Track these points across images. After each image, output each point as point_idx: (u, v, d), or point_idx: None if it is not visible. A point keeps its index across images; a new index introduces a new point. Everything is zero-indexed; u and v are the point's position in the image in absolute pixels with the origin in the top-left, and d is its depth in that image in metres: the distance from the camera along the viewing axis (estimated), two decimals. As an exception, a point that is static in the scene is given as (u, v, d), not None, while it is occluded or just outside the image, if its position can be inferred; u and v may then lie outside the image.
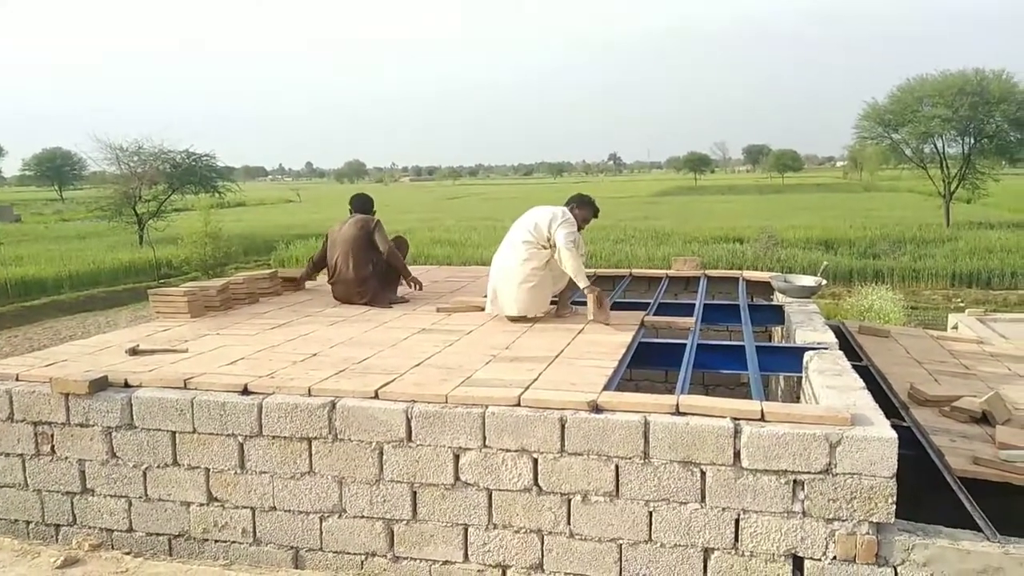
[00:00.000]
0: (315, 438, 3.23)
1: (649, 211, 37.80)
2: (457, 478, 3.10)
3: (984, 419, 3.74)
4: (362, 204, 5.82)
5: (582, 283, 4.63)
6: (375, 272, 5.45)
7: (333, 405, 3.20)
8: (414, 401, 3.16)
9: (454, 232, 27.02)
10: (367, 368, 3.64)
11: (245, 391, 3.37)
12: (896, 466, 2.69)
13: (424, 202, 57.40)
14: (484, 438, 3.05)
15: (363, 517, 3.22)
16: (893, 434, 2.72)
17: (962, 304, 14.87)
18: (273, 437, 3.28)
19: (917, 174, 31.88)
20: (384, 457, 3.16)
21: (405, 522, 3.18)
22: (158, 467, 3.44)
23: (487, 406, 3.08)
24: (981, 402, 3.78)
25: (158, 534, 3.49)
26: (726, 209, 37.63)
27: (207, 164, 27.79)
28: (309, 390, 3.30)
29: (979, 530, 2.78)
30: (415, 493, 3.16)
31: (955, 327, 8.83)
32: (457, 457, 3.09)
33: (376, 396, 3.22)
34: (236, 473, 3.35)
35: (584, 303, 5.42)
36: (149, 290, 5.50)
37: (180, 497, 3.44)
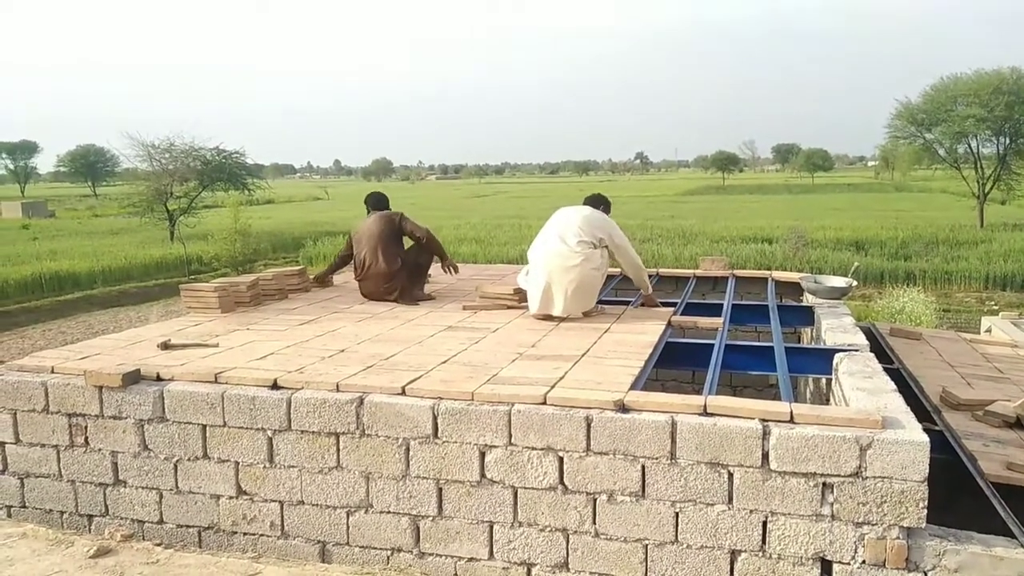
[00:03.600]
0: (343, 433, 3.26)
1: (676, 210, 37.57)
2: (483, 475, 3.11)
3: (1018, 424, 3.67)
4: (379, 202, 5.94)
5: (648, 282, 5.30)
6: (404, 266, 5.50)
7: (361, 401, 3.23)
8: (440, 398, 3.18)
9: (480, 230, 27.09)
10: (394, 365, 3.66)
11: (275, 386, 3.41)
12: (928, 470, 2.65)
13: (450, 200, 57.60)
14: (510, 436, 3.06)
15: (389, 513, 3.24)
16: (925, 438, 2.68)
17: (996, 307, 14.60)
18: (302, 432, 3.31)
19: (950, 174, 31.35)
20: (411, 453, 3.18)
21: (431, 518, 3.20)
22: (189, 460, 3.50)
23: (513, 404, 3.08)
24: (1016, 406, 3.71)
25: (188, 526, 3.55)
26: (755, 209, 37.29)
27: (237, 161, 28.13)
28: (337, 386, 3.33)
29: (1013, 536, 2.73)
30: (441, 490, 3.17)
31: (988, 330, 8.67)
32: (483, 454, 3.10)
33: (403, 392, 3.24)
34: (265, 467, 3.39)
35: (609, 302, 5.43)
36: (180, 285, 5.58)
37: (210, 490, 3.48)
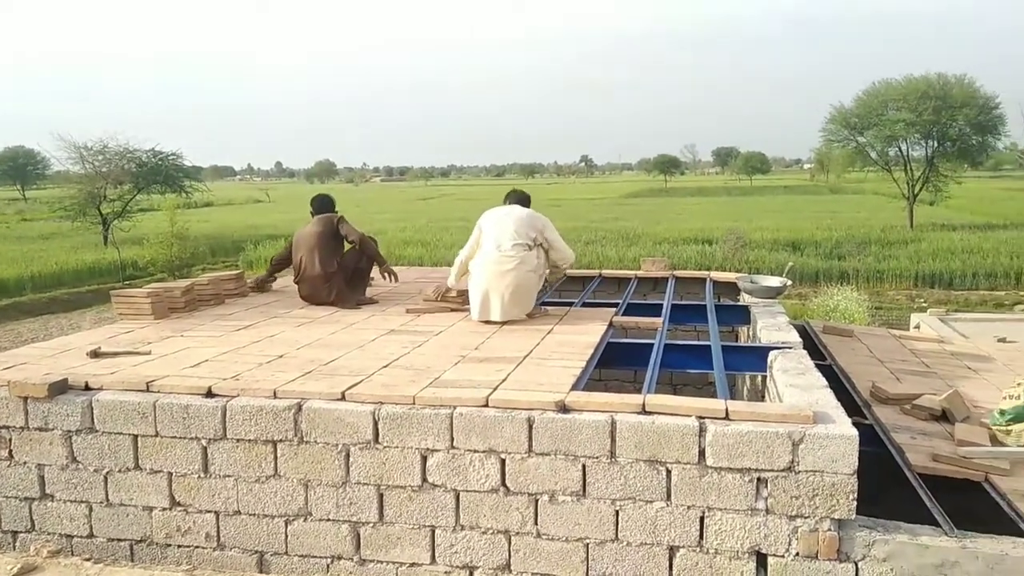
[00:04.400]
0: (280, 441, 3.20)
1: (620, 212, 38.04)
2: (424, 479, 3.09)
3: (944, 417, 3.81)
4: (323, 204, 5.86)
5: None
6: (340, 268, 5.45)
7: (299, 407, 3.17)
8: (381, 403, 3.14)
9: (426, 232, 26.97)
10: (334, 370, 3.61)
11: (209, 394, 3.32)
12: (857, 463, 2.73)
13: (396, 202, 57.27)
14: (452, 439, 3.05)
15: (329, 520, 3.20)
16: (854, 432, 2.76)
17: (925, 304, 15.17)
18: (237, 440, 3.24)
19: (882, 176, 32.50)
20: (351, 459, 3.14)
21: (372, 524, 3.16)
22: (119, 471, 3.38)
23: (455, 407, 3.07)
24: (941, 400, 3.86)
25: (119, 539, 3.43)
26: (695, 211, 38.00)
27: (173, 163, 27.46)
28: (275, 392, 3.26)
29: (938, 525, 2.83)
30: (382, 495, 3.14)
31: (917, 327, 9.02)
32: (424, 458, 3.08)
33: (343, 398, 3.20)
34: (199, 477, 3.31)
35: (552, 304, 5.46)
36: (111, 291, 5.40)
37: (142, 502, 3.38)
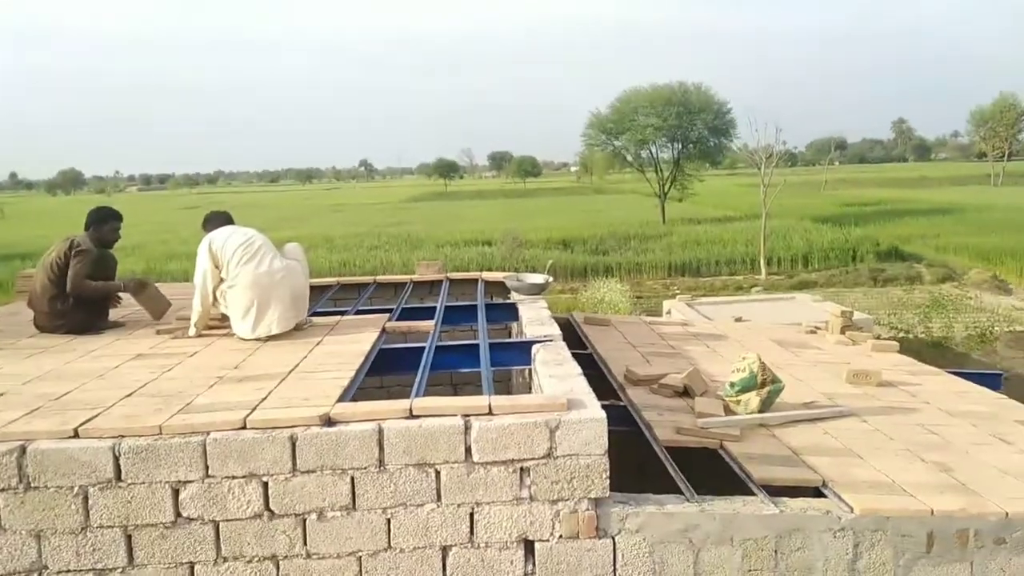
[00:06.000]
0: (3, 490, 2.80)
1: (402, 216, 38.12)
2: (178, 514, 2.86)
3: (686, 392, 4.21)
4: (88, 219, 4.96)
5: None
6: (76, 303, 4.74)
7: (23, 450, 2.80)
8: (122, 436, 2.86)
9: (192, 245, 25.13)
10: (66, 404, 3.23)
11: (-95, 446, 2.83)
12: (607, 444, 2.92)
13: (157, 213, 52.99)
14: (207, 467, 2.84)
15: (69, 571, 2.85)
16: (603, 414, 2.96)
17: (677, 291, 16.75)
18: (-53, 496, 2.79)
19: (637, 177, 35.56)
20: (90, 502, 2.82)
21: (120, 570, 2.86)
22: None
23: (208, 433, 2.87)
24: (682, 378, 4.25)
25: None
26: (475, 213, 39.04)
27: None
28: (-9, 436, 2.85)
29: (681, 493, 3.11)
30: (130, 536, 2.85)
31: (668, 312, 9.94)
32: (176, 492, 2.84)
33: (76, 435, 2.86)
34: (-101, 544, 2.81)
35: (324, 313, 5.32)
36: None
37: None
